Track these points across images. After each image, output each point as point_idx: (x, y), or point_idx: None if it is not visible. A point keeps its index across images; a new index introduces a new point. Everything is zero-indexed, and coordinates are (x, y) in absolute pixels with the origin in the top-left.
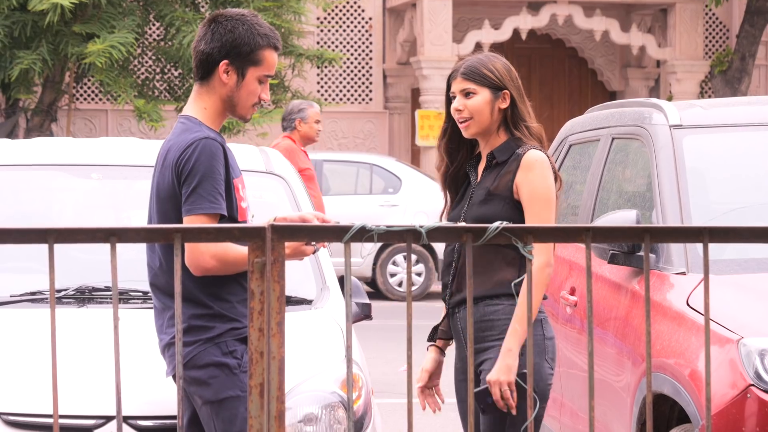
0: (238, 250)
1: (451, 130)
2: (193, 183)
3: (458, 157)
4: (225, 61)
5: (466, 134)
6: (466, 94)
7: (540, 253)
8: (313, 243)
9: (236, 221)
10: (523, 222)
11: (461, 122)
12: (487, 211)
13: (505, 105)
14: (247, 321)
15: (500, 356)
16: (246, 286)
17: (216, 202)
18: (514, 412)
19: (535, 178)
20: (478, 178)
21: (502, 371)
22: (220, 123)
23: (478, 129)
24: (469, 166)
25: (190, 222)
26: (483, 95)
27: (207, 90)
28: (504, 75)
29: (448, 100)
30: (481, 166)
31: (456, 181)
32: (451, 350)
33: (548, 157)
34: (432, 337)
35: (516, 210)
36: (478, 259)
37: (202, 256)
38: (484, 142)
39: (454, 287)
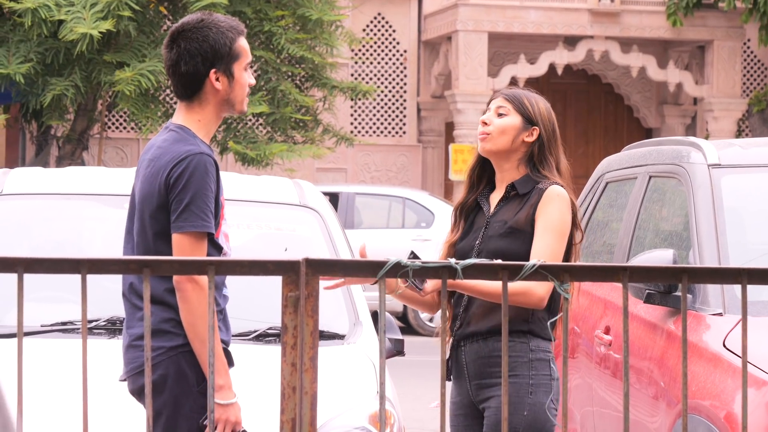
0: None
1: (481, 161)
2: (185, 199)
3: (479, 188)
4: (213, 70)
5: (481, 148)
6: (500, 114)
7: (538, 288)
8: None
9: (213, 238)
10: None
11: (482, 135)
12: (508, 245)
13: (530, 139)
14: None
15: None
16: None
17: (207, 220)
18: None
19: (552, 210)
20: (491, 209)
21: None
22: (213, 130)
23: (494, 147)
24: (480, 196)
25: (179, 238)
26: (513, 119)
27: (199, 103)
28: (541, 113)
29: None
30: (494, 195)
31: (469, 210)
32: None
33: (572, 200)
34: (449, 376)
35: None
36: None
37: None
38: (500, 172)
39: (464, 320)
